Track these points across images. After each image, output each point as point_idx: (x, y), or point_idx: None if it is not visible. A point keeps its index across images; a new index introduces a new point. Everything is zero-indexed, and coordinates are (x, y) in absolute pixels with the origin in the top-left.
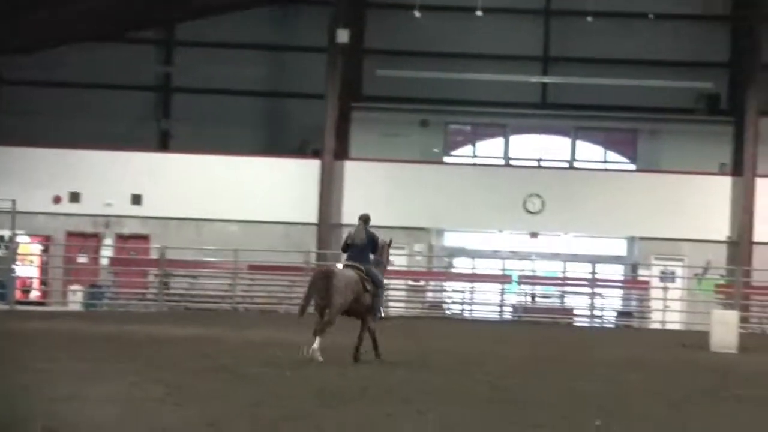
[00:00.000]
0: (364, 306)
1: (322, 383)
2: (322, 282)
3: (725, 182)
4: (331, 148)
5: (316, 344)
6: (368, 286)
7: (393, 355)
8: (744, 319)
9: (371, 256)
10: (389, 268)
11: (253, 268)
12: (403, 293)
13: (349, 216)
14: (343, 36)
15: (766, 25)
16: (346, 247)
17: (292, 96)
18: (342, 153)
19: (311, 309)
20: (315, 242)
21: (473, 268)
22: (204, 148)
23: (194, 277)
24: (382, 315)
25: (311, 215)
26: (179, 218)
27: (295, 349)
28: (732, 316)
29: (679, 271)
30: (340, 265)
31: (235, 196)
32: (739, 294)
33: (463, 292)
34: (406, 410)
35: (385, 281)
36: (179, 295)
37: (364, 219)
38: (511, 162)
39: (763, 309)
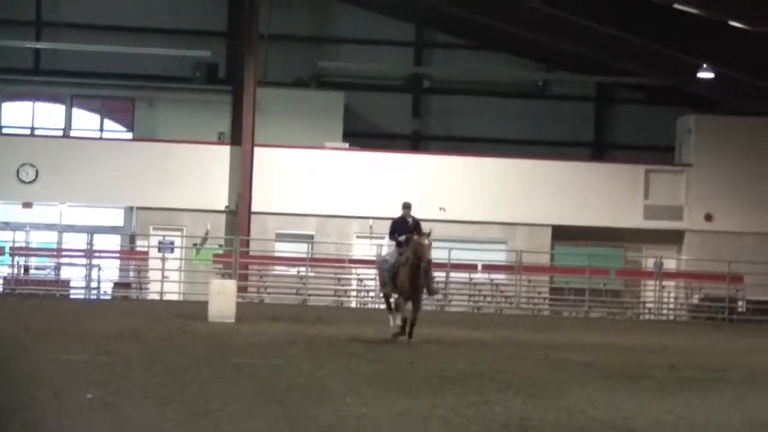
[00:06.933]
0: None
1: None
2: None
3: (224, 152)
4: None
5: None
6: None
7: None
8: (242, 289)
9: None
10: None
11: None
12: None
13: None
14: None
15: None
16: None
17: None
18: None
19: None
20: None
21: None
22: None
23: None
24: None
25: None
26: None
27: None
28: (230, 285)
29: (178, 241)
30: None
31: None
32: (237, 263)
33: None
34: None
35: None
36: None
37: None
38: (3, 130)
39: (260, 278)
